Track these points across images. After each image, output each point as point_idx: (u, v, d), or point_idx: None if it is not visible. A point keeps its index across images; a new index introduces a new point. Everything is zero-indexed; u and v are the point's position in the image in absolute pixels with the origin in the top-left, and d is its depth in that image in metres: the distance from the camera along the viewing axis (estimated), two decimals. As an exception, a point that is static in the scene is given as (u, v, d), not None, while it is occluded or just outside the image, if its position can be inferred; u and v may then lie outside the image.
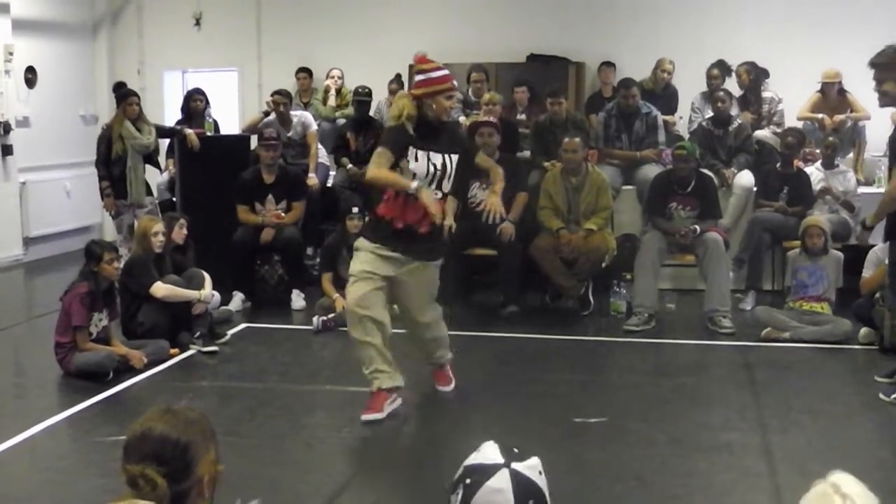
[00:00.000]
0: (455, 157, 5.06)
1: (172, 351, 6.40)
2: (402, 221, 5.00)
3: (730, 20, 9.92)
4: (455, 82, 5.10)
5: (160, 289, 6.45)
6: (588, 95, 9.99)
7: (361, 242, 5.16)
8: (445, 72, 5.04)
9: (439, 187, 5.02)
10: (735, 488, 4.30)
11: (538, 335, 6.98)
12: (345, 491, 4.30)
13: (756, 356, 6.40)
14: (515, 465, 1.96)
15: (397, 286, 5.14)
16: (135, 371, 6.01)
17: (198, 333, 6.55)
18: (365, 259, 5.07)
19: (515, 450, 2.01)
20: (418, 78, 5.04)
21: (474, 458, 1.99)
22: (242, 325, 7.31)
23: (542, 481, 1.98)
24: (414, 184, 4.87)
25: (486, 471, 1.95)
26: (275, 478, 4.38)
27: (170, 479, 2.00)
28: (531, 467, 1.98)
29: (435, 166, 4.96)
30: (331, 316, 7.08)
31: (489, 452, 1.99)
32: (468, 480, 1.95)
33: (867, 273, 6.70)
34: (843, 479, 1.80)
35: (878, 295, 6.45)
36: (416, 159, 4.93)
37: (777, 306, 7.06)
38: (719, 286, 7.05)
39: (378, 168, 4.89)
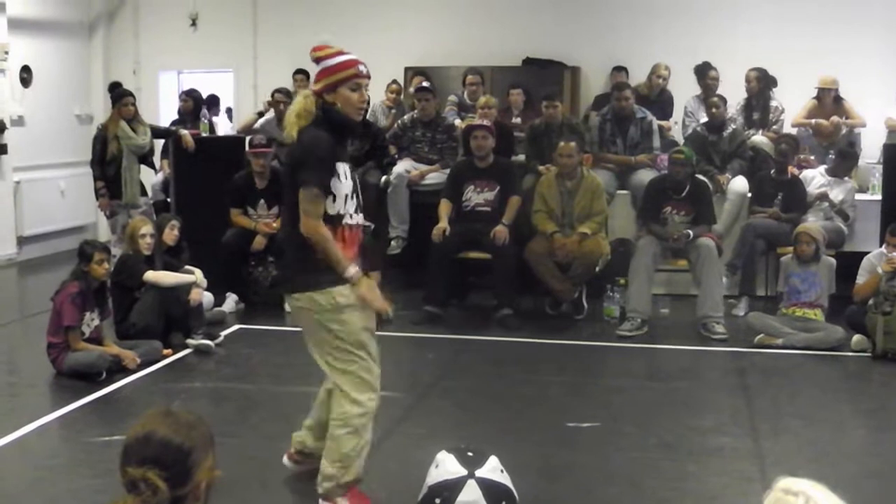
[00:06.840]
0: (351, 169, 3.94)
1: (165, 352, 6.39)
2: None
3: (726, 25, 9.94)
4: (362, 68, 3.82)
5: (153, 273, 6.46)
6: (595, 95, 9.99)
7: (344, 294, 3.77)
8: (348, 56, 3.86)
9: (357, 210, 3.93)
10: (726, 492, 4.31)
11: (532, 339, 6.98)
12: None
13: (749, 362, 6.41)
14: (479, 473, 1.95)
15: None
16: (127, 371, 6.01)
17: (200, 331, 6.60)
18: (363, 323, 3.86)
19: (470, 453, 1.99)
20: (317, 70, 3.90)
21: (437, 476, 1.98)
22: (235, 327, 7.30)
23: (505, 478, 1.98)
24: (352, 269, 3.77)
25: (453, 486, 1.94)
26: (267, 479, 4.37)
27: (170, 484, 1.98)
28: (493, 469, 1.97)
29: (354, 182, 3.91)
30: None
31: (449, 466, 1.97)
32: (437, 500, 1.94)
33: (860, 280, 6.72)
34: (792, 482, 1.81)
35: (870, 302, 6.47)
36: (341, 178, 3.81)
37: (770, 312, 7.06)
38: (712, 292, 7.06)
39: (317, 222, 3.72)
